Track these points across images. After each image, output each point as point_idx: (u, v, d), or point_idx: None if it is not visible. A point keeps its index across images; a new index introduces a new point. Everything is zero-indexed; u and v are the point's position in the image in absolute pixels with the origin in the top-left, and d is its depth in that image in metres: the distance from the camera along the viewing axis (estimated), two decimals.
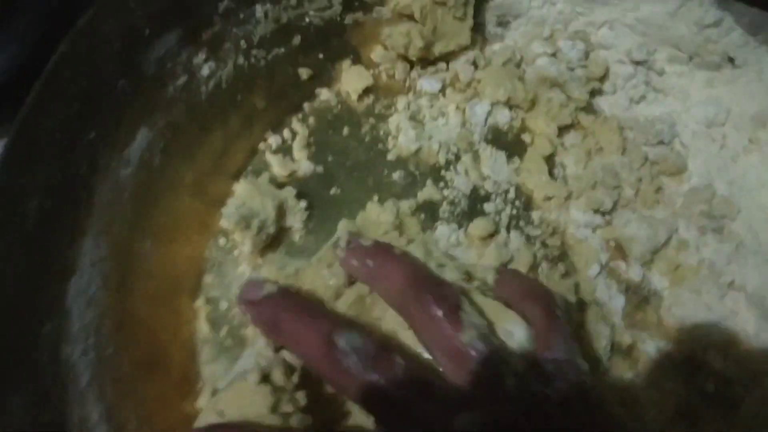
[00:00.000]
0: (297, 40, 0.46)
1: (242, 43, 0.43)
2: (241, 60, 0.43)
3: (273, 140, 0.45)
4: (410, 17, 0.48)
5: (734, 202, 0.46)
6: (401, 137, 0.46)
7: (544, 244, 0.45)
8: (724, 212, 0.45)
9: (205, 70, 0.42)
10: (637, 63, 0.50)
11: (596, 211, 0.45)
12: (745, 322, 0.44)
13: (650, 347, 0.43)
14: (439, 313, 0.30)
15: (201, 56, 0.41)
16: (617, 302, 0.44)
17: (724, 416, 0.42)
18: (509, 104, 0.48)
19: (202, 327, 0.39)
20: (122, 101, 0.37)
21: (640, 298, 0.44)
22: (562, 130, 0.48)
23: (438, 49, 0.48)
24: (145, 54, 0.38)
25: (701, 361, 0.43)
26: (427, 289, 0.31)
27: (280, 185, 0.43)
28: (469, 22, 0.48)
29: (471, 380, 0.29)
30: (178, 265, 0.40)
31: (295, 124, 0.46)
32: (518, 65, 0.50)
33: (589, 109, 0.49)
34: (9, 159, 0.32)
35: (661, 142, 0.48)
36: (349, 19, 0.47)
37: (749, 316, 0.43)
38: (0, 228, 0.31)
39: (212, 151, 0.43)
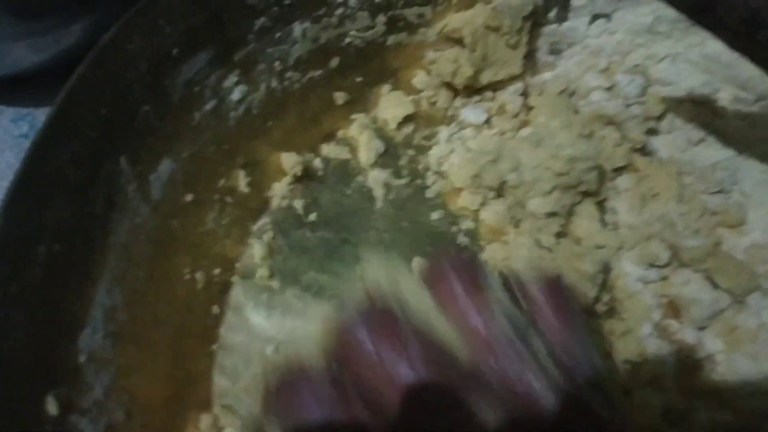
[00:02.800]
0: (335, 62, 0.42)
1: (277, 64, 0.39)
2: (274, 83, 0.40)
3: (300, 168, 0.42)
4: (457, 42, 0.44)
5: None
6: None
7: (594, 298, 0.41)
8: None
9: (236, 94, 0.38)
10: (699, 103, 0.46)
11: (651, 265, 0.42)
12: None
13: (703, 415, 0.40)
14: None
15: (232, 79, 0.38)
16: (669, 365, 0.40)
17: None
18: None
19: (219, 380, 0.36)
20: (145, 129, 0.34)
21: (692, 361, 0.41)
22: (615, 172, 0.45)
23: (486, 77, 0.44)
24: (173, 77, 0.35)
25: None
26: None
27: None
28: (522, 50, 0.44)
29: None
30: (194, 314, 0.36)
31: (328, 151, 0.43)
32: (571, 97, 0.47)
33: (644, 150, 0.46)
34: (13, 201, 0.28)
35: (721, 191, 0.45)
36: (391, 41, 0.43)
37: None
38: (2, 281, 0.28)
39: (235, 183, 0.39)
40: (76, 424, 0.29)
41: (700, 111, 0.46)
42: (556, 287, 0.30)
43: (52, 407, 0.28)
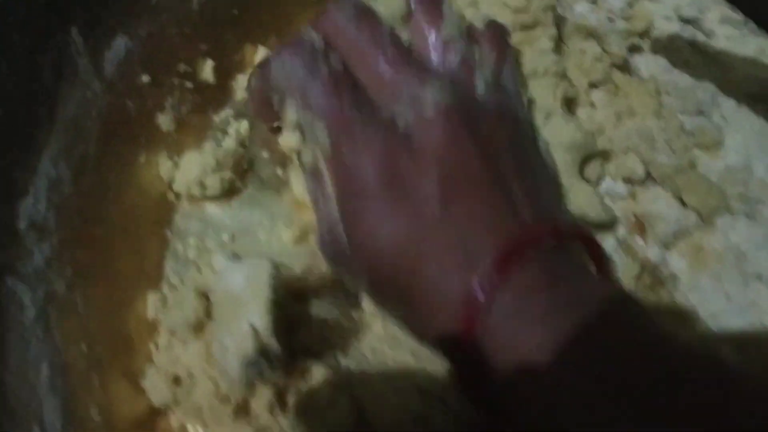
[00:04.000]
0: None
1: None
2: None
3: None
4: None
5: None
6: None
7: None
8: (760, 196, 0.41)
9: None
10: (685, 21, 0.44)
11: (626, 181, 0.41)
12: (766, 315, 0.40)
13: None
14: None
15: None
16: (630, 282, 0.40)
17: None
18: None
19: (169, 262, 0.35)
20: (98, 2, 0.33)
21: (655, 279, 0.41)
22: (592, 86, 0.43)
23: None
24: None
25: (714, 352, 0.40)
26: None
27: None
28: None
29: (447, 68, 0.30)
30: (146, 194, 0.35)
31: None
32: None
33: (624, 67, 0.44)
34: None
35: (700, 112, 0.43)
36: None
37: None
38: None
39: (197, 70, 0.38)
40: (13, 288, 0.28)
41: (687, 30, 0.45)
42: (497, 29, 0.34)
43: None
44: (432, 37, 0.31)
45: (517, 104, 0.33)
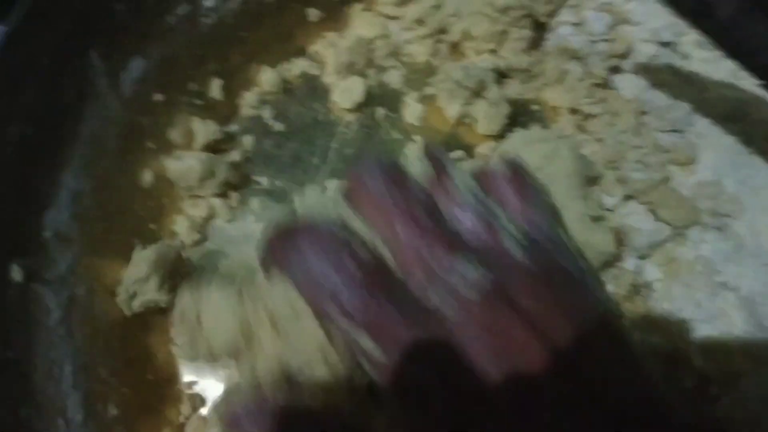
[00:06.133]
0: None
1: None
2: None
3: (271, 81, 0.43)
4: None
5: (741, 201, 0.44)
6: None
7: None
8: (729, 210, 0.44)
9: (209, 1, 0.39)
10: (663, 44, 0.47)
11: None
12: (732, 323, 0.43)
13: (636, 337, 0.42)
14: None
15: None
16: (610, 291, 0.43)
17: (699, 413, 0.41)
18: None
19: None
20: (117, 27, 0.35)
21: (630, 288, 0.43)
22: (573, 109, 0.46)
23: None
24: None
25: (683, 356, 0.43)
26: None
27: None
28: None
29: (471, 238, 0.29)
30: (162, 202, 0.38)
31: (299, 65, 0.44)
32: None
33: (605, 86, 0.47)
34: None
35: (674, 130, 0.46)
36: None
37: (738, 318, 0.43)
38: None
39: (206, 89, 0.41)
40: (40, 294, 0.31)
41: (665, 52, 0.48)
42: (515, 167, 0.33)
43: (16, 274, 0.30)
44: (450, 206, 0.30)
45: (554, 246, 0.31)
